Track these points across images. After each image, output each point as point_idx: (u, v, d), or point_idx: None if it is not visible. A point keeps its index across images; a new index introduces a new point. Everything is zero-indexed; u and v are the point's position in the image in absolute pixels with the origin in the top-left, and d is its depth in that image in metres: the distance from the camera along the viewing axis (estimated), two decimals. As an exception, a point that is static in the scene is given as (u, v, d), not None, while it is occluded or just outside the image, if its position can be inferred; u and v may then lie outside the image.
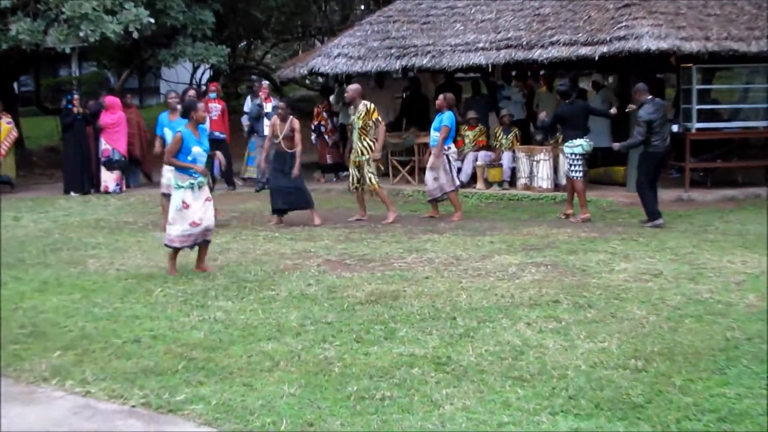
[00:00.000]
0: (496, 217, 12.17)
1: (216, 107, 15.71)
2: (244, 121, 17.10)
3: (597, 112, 12.53)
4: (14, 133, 16.46)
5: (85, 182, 15.93)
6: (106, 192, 15.75)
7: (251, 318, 6.86)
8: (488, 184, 14.77)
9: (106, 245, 10.34)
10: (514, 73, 17.55)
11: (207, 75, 24.85)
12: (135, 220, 12.45)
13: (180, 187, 8.44)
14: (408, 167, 15.76)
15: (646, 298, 7.24)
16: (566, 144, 11.68)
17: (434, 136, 11.99)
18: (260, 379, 5.44)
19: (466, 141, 15.39)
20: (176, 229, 8.44)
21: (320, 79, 26.56)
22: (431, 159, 11.97)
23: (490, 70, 16.72)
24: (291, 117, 11.59)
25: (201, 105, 8.65)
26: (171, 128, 11.18)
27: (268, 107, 15.23)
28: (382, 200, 11.86)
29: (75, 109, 15.97)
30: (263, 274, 8.42)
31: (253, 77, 27.19)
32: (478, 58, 14.66)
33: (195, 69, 24.73)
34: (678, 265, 8.56)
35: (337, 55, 16.09)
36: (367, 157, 11.62)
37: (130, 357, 5.93)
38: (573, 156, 11.60)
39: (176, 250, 8.60)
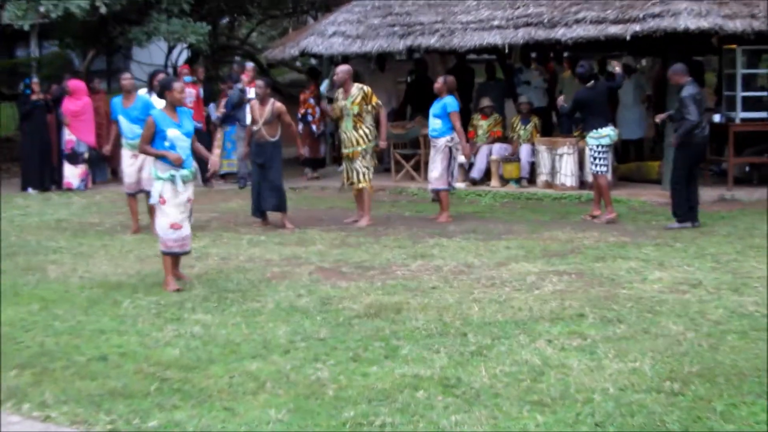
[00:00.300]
0: (512, 219, 12.18)
1: (190, 92, 15.70)
2: (212, 109, 16.98)
3: (616, 87, 12.49)
4: None
5: (45, 178, 15.95)
6: (69, 189, 15.76)
7: (233, 333, 6.86)
8: (504, 181, 14.78)
9: (68, 249, 10.34)
10: (534, 55, 17.57)
11: (184, 56, 24.83)
12: (101, 221, 12.46)
13: (159, 178, 8.30)
14: (413, 161, 15.76)
15: (683, 311, 7.24)
16: (591, 134, 11.67)
17: (434, 124, 11.97)
18: (243, 402, 5.44)
19: (480, 132, 15.41)
20: (160, 228, 8.36)
21: (313, 61, 26.60)
22: (460, 152, 12.03)
23: (506, 51, 16.72)
24: (273, 99, 11.55)
25: (178, 84, 8.52)
26: (126, 115, 11.20)
27: (251, 93, 15.19)
28: (365, 200, 11.76)
29: (34, 95, 15.98)
30: (247, 284, 8.42)
31: (236, 59, 27.17)
32: (494, 38, 14.66)
33: (170, 49, 24.68)
34: (719, 273, 8.56)
35: (332, 34, 16.11)
36: (364, 147, 11.59)
37: (95, 377, 5.93)
38: (599, 148, 11.60)
39: (173, 258, 8.42)
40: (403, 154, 15.89)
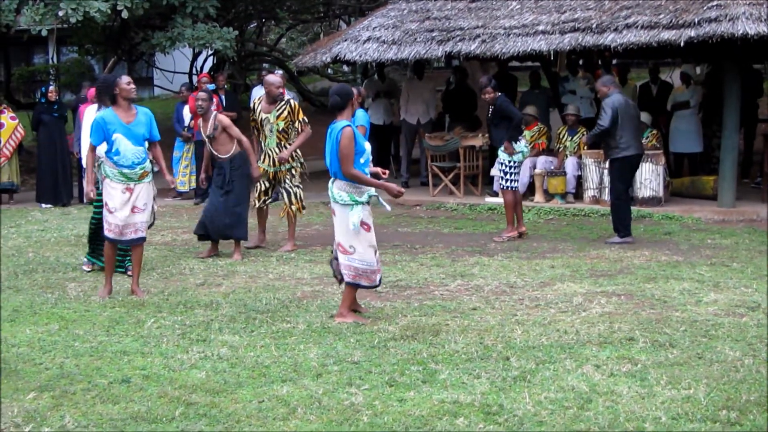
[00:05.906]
0: (557, 237, 12.18)
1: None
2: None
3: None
4: (20, 131, 16.56)
5: (62, 192, 16.08)
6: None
7: (262, 355, 6.92)
8: (549, 196, 14.76)
9: (88, 267, 10.45)
10: (581, 62, 17.57)
11: (210, 63, 25.05)
12: (123, 236, 12.53)
13: (357, 202, 7.73)
14: (452, 175, 15.77)
15: (740, 335, 7.23)
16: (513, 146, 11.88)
17: None
18: (273, 428, 5.49)
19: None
20: (360, 260, 7.80)
21: (346, 69, 26.74)
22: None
23: (551, 58, 16.73)
24: (215, 112, 10.94)
25: (358, 90, 8.07)
26: (129, 134, 8.72)
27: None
28: (289, 225, 11.36)
29: (49, 103, 16.14)
30: (276, 303, 8.48)
31: (265, 66, 27.36)
32: (538, 44, 14.66)
33: (195, 56, 24.93)
34: (780, 296, 8.53)
35: (366, 40, 16.16)
36: (290, 165, 11.19)
37: (117, 400, 6.01)
38: (512, 163, 11.86)
39: (356, 288, 7.98)
40: (441, 167, 15.89)
